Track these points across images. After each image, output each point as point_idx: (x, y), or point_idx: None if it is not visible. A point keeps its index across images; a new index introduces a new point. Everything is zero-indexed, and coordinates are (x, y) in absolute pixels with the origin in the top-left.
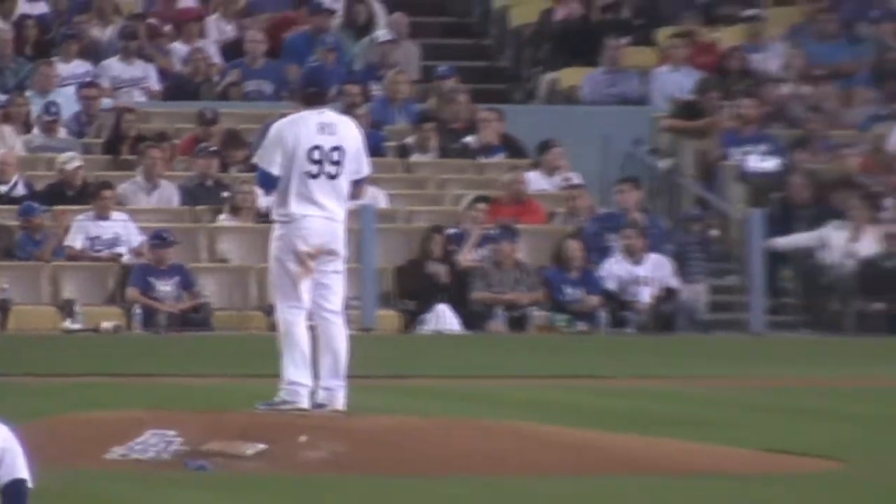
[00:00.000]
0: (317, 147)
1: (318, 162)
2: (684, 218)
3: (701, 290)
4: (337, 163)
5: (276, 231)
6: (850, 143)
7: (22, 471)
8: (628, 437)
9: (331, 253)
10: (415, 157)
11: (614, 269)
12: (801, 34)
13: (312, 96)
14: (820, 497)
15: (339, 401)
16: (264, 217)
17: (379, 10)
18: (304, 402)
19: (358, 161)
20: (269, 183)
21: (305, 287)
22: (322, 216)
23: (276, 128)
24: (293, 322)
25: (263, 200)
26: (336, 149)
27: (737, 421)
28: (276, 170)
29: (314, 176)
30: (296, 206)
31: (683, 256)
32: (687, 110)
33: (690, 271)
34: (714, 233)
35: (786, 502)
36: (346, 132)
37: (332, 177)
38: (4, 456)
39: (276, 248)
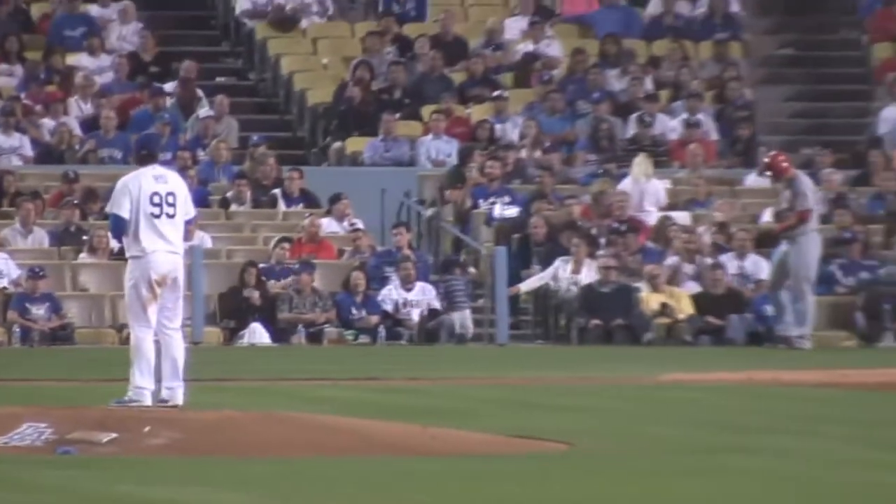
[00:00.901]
0: (156, 193)
1: (159, 204)
2: (451, 262)
3: (467, 316)
4: (172, 205)
5: (131, 265)
6: (574, 195)
7: None
8: (401, 425)
9: (174, 281)
10: (233, 208)
11: (391, 294)
12: (535, 110)
13: (145, 157)
14: (550, 470)
15: (179, 398)
16: (116, 256)
17: (202, 93)
18: (148, 401)
19: (187, 204)
20: (119, 225)
21: (153, 310)
22: (167, 250)
23: (122, 182)
24: (142, 338)
25: (114, 243)
26: (170, 194)
27: (486, 412)
28: (125, 213)
29: (157, 216)
30: (147, 242)
31: (450, 290)
32: (454, 172)
33: (456, 301)
34: (472, 270)
35: (523, 475)
36: (175, 182)
37: (171, 216)
38: None
39: (131, 279)
